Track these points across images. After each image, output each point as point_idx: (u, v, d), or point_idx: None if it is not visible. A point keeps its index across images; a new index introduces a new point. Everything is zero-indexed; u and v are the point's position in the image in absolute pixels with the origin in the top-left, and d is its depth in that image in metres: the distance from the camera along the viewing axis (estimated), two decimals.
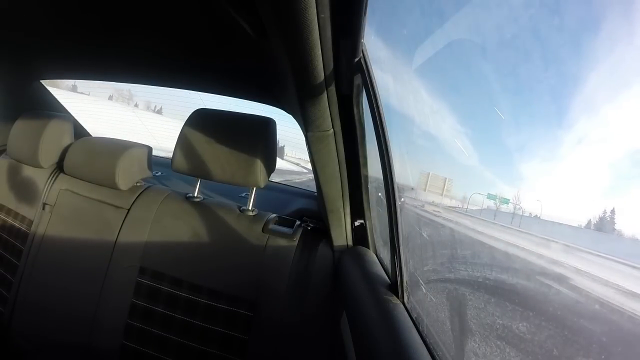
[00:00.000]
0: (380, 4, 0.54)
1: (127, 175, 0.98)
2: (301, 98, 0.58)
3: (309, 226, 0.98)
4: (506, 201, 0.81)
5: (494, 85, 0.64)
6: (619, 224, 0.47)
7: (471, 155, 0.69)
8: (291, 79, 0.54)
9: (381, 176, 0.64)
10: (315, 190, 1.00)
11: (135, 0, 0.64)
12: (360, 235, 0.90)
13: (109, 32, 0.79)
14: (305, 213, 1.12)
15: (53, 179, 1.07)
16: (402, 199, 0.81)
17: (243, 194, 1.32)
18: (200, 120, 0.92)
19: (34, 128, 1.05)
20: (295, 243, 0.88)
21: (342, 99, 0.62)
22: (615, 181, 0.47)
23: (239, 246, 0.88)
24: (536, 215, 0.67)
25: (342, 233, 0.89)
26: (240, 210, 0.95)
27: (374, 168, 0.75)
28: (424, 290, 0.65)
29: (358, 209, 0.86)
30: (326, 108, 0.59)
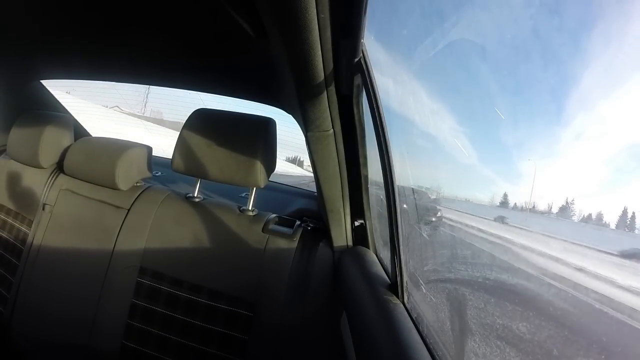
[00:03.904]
0: (380, 4, 0.54)
1: (126, 176, 0.98)
2: (301, 98, 0.58)
3: (309, 226, 0.98)
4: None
5: (493, 85, 0.64)
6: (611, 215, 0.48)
7: (471, 155, 0.70)
8: (291, 79, 0.54)
9: (381, 176, 0.64)
10: (315, 190, 1.00)
11: (135, 0, 0.64)
12: (360, 235, 0.90)
13: (109, 32, 0.79)
14: (305, 213, 1.12)
15: (53, 179, 1.07)
16: (440, 213, 0.81)
17: (243, 194, 1.32)
18: (200, 120, 0.92)
19: (34, 128, 1.05)
20: (295, 243, 0.88)
21: (342, 99, 0.62)
22: (613, 174, 0.48)
23: (239, 246, 0.88)
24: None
25: (342, 233, 0.89)
26: (240, 210, 0.95)
27: (374, 168, 0.75)
28: (424, 290, 0.65)
29: (358, 209, 0.86)
30: (326, 108, 0.59)
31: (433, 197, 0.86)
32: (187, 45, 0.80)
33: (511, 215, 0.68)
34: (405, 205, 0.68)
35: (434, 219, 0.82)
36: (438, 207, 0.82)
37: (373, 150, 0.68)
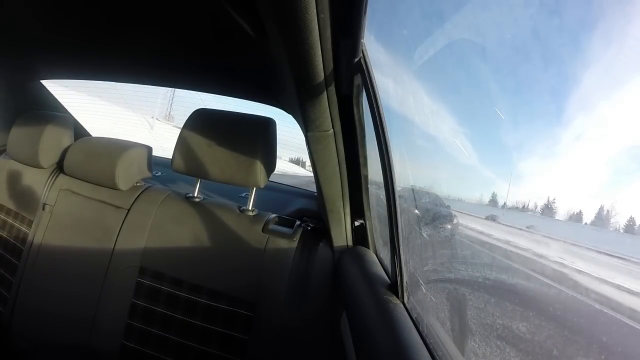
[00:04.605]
0: (380, 4, 0.54)
1: (126, 176, 0.98)
2: (301, 98, 0.58)
3: (309, 226, 0.98)
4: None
5: (493, 85, 0.64)
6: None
7: (471, 155, 0.70)
8: (291, 79, 0.54)
9: (381, 176, 0.64)
10: (315, 190, 1.00)
11: (136, 0, 0.64)
12: (360, 235, 0.90)
13: (109, 32, 0.79)
14: (305, 213, 1.12)
15: (53, 179, 1.07)
16: (456, 219, 0.75)
17: (243, 194, 1.32)
18: (200, 120, 0.92)
19: (34, 128, 1.05)
20: (295, 243, 0.88)
21: (342, 99, 0.62)
22: (613, 176, 0.48)
23: (239, 246, 0.88)
24: None
25: (342, 233, 0.89)
26: (240, 210, 0.95)
27: (374, 168, 0.75)
28: (424, 290, 0.65)
29: (358, 209, 0.86)
30: (326, 108, 0.59)
31: (446, 201, 0.80)
32: (187, 45, 0.80)
33: (509, 215, 0.68)
34: (416, 211, 0.68)
35: (449, 226, 0.77)
36: (454, 213, 0.78)
37: (373, 150, 0.68)
